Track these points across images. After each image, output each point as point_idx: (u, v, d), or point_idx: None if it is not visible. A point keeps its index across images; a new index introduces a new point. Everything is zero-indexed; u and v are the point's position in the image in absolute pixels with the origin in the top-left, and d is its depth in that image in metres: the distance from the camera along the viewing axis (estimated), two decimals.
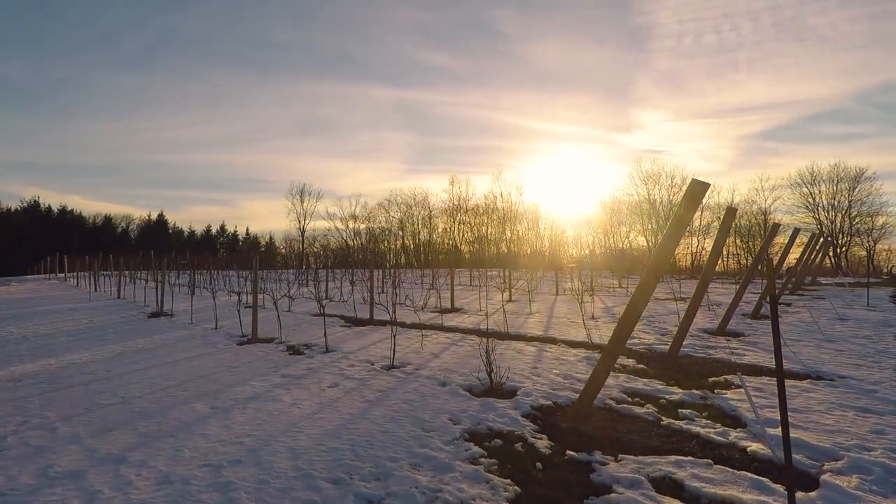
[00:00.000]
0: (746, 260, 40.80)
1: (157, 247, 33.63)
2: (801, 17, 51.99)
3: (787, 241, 11.00)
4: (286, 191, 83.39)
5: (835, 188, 39.81)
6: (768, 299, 2.88)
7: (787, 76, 56.51)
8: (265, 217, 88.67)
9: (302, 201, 56.67)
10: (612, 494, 2.77)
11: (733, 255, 42.94)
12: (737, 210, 7.57)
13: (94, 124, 76.58)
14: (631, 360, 6.01)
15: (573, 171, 62.91)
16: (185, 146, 78.54)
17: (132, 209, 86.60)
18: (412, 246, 54.25)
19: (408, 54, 65.46)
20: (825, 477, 2.91)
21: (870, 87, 54.53)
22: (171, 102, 74.37)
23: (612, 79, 63.65)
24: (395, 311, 6.63)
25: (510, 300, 13.48)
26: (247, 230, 72.04)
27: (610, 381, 4.95)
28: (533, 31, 62.48)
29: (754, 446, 3.37)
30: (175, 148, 79.10)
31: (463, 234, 52.29)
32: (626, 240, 44.09)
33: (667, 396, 4.56)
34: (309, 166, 78.66)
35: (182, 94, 72.72)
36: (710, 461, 3.15)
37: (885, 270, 32.91)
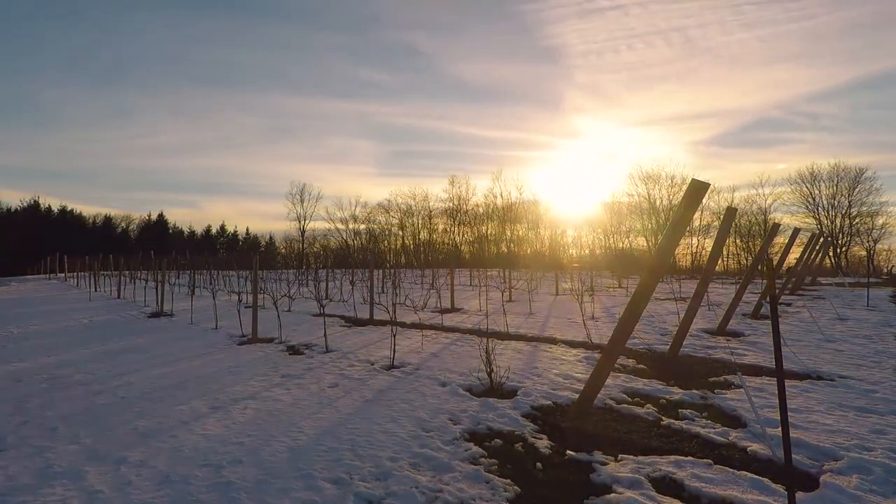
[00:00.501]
0: (746, 260, 40.78)
1: (157, 247, 33.64)
2: (708, 38, 57.72)
3: (787, 241, 11.00)
4: (259, 193, 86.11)
5: (835, 188, 39.87)
6: (768, 299, 2.88)
7: (715, 88, 61.87)
8: (235, 218, 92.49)
9: (302, 202, 56.73)
10: (612, 494, 2.77)
11: (733, 255, 42.93)
12: (737, 210, 7.57)
13: (61, 134, 78.94)
14: (631, 360, 6.01)
15: (539, 176, 67.92)
16: (157, 153, 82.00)
17: (111, 210, 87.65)
18: (412, 246, 54.25)
19: (348, 72, 72.49)
20: (825, 477, 2.91)
21: (789, 99, 60.09)
22: (141, 113, 77.98)
23: (543, 93, 70.04)
24: (395, 311, 6.62)
25: (510, 300, 13.48)
26: (247, 230, 72.13)
27: (610, 381, 4.94)
28: (454, 52, 69.21)
29: (754, 446, 3.37)
30: (146, 154, 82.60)
31: (463, 235, 52.37)
32: (627, 240, 44.13)
33: (667, 396, 4.56)
34: (282, 170, 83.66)
35: (152, 106, 76.68)
36: (710, 461, 3.16)
37: (885, 270, 32.91)
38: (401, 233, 54.51)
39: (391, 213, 54.30)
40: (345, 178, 79.70)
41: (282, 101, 75.64)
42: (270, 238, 67.85)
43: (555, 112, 69.52)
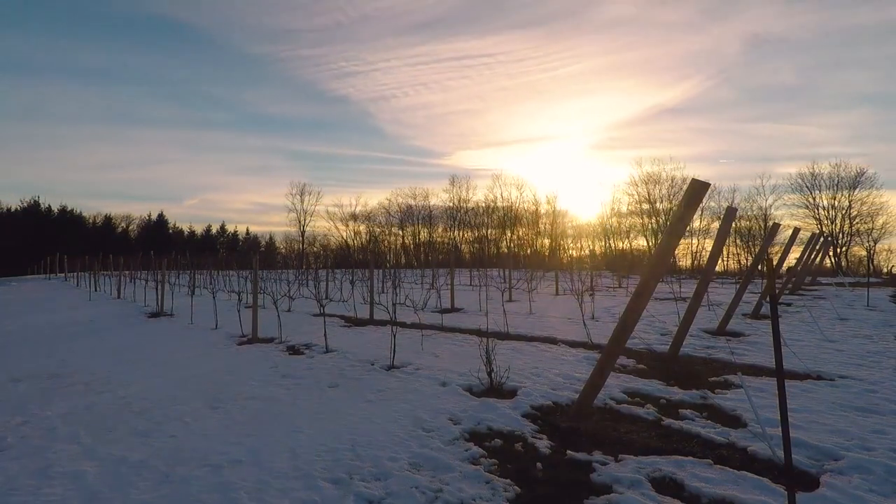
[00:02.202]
0: (746, 260, 40.78)
1: (157, 247, 33.63)
2: (528, 73, 65.63)
3: (787, 241, 10.99)
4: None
5: (835, 188, 39.85)
6: (768, 299, 2.88)
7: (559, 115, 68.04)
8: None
9: (302, 201, 56.71)
10: (613, 494, 2.77)
11: (733, 255, 42.94)
12: (737, 210, 7.57)
13: None
14: (631, 360, 6.01)
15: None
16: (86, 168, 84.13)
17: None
18: (412, 246, 54.26)
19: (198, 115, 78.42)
20: (825, 477, 2.91)
21: (615, 123, 66.11)
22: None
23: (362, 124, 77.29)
24: (395, 311, 6.62)
25: (510, 300, 13.48)
26: (247, 230, 72.26)
27: (610, 380, 4.94)
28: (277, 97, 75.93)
29: (754, 446, 3.37)
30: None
31: (463, 234, 52.37)
32: (627, 240, 44.15)
33: (667, 396, 4.56)
34: (204, 181, 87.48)
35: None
36: (711, 461, 3.15)
37: (885, 270, 32.90)
38: (401, 232, 54.59)
39: (392, 215, 54.45)
40: (263, 189, 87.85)
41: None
42: (270, 238, 67.97)
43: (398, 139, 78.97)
